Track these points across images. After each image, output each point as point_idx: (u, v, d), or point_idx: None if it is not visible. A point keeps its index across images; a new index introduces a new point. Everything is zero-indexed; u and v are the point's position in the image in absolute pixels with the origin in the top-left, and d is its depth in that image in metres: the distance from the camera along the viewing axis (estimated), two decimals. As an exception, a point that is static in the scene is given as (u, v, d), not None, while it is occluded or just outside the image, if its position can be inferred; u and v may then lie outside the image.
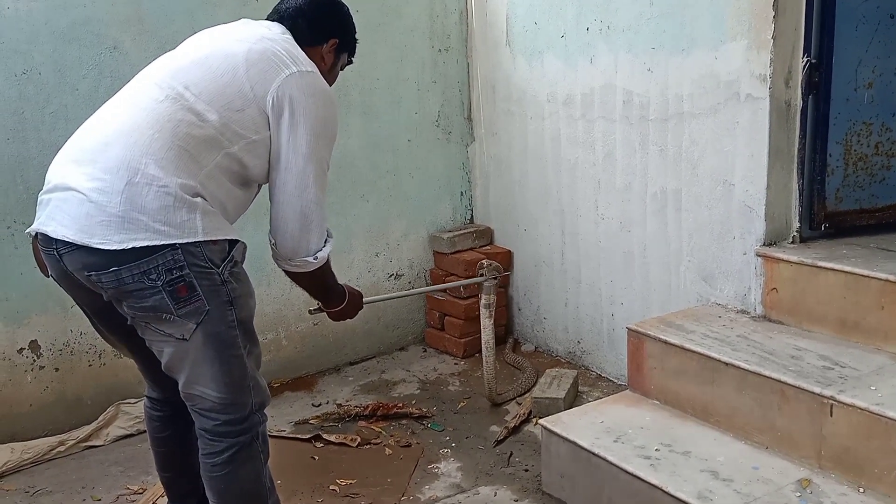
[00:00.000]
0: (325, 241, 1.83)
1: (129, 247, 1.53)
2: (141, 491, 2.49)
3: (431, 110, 3.57)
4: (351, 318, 2.15)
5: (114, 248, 1.53)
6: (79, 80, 2.73)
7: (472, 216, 3.78)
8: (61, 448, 2.71)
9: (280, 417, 2.99)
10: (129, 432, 2.83)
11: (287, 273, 1.85)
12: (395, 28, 3.41)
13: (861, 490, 1.97)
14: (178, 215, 1.57)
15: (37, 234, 1.66)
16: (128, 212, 1.54)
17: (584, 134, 3.12)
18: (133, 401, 2.89)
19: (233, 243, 1.71)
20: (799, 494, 1.99)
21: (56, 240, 1.58)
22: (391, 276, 3.58)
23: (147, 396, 2.01)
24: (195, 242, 1.59)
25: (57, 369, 2.81)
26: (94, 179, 1.57)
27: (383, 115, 3.43)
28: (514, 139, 3.47)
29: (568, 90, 3.15)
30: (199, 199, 1.62)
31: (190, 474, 2.02)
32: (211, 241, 1.62)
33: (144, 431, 2.78)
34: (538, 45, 3.25)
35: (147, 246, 1.54)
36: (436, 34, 3.53)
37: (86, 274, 1.58)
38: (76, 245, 1.55)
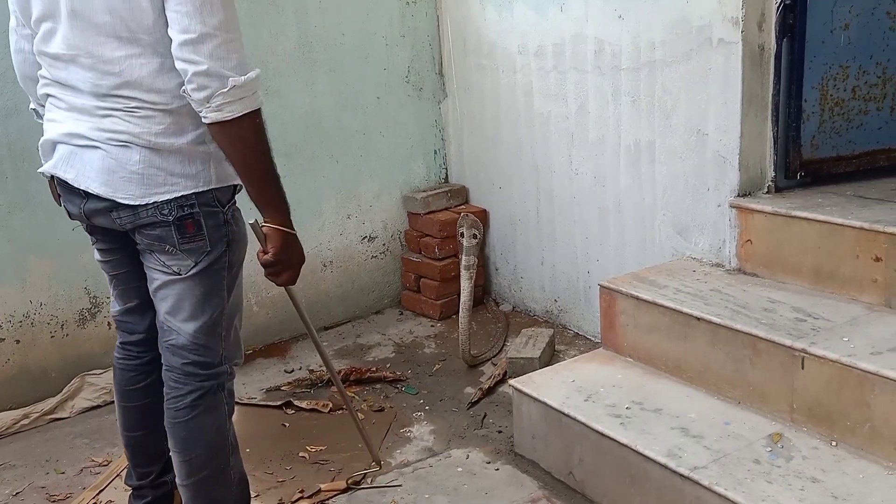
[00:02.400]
0: (248, 73, 1.58)
1: (151, 201, 1.64)
2: (105, 463, 2.45)
3: (401, 66, 3.46)
4: (291, 267, 1.74)
5: (136, 203, 1.64)
6: (26, 41, 2.61)
7: (446, 175, 3.70)
8: (25, 421, 2.66)
9: (251, 384, 2.95)
10: (95, 404, 2.78)
11: (216, 134, 1.60)
12: (360, -20, 3.29)
13: (833, 443, 1.93)
14: (192, 167, 1.66)
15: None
16: (147, 168, 1.63)
17: (557, 86, 3.02)
18: (98, 372, 2.83)
19: (237, 186, 1.75)
20: (770, 449, 1.94)
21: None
22: (364, 238, 3.50)
23: (125, 344, 1.95)
24: (208, 191, 1.68)
25: (18, 341, 2.74)
26: (110, 141, 1.63)
27: (350, 71, 3.32)
28: (486, 94, 3.37)
29: (539, 41, 3.04)
30: (209, 147, 1.67)
31: (158, 434, 1.98)
32: (219, 186, 1.70)
33: (110, 402, 2.77)
34: (508, -5, 3.13)
35: (166, 199, 1.65)
36: (403, -14, 3.40)
37: (109, 214, 1.68)
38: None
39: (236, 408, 2.74)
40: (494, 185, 3.45)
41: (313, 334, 2.09)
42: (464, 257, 3.03)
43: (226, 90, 1.53)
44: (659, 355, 2.37)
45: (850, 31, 2.42)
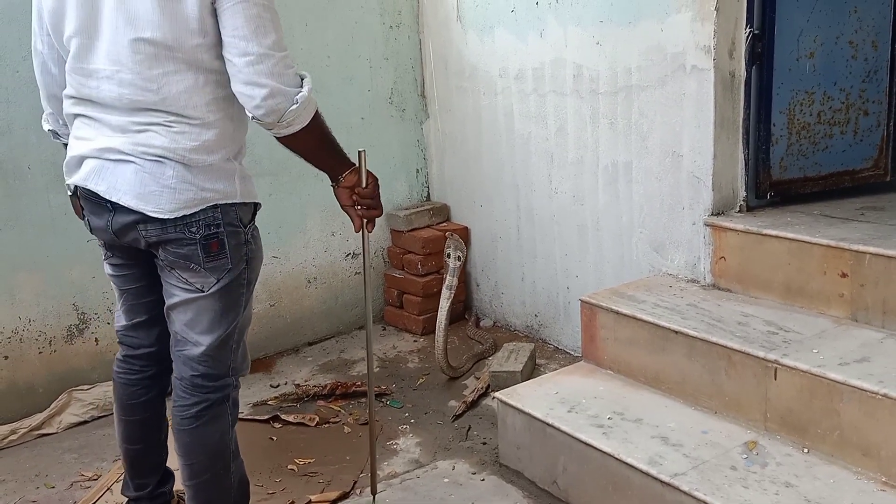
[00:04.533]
0: (302, 82, 1.69)
1: (180, 215, 1.69)
2: (95, 477, 2.47)
3: (384, 87, 3.55)
4: (375, 206, 1.94)
5: (166, 217, 1.69)
6: (19, 62, 2.65)
7: (428, 193, 3.78)
8: (13, 437, 2.67)
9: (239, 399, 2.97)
10: (82, 419, 2.79)
11: (287, 143, 1.72)
12: (345, 4, 3.37)
13: (805, 450, 2.03)
14: (220, 183, 1.73)
15: (76, 186, 1.77)
16: (179, 183, 1.68)
17: (537, 108, 3.12)
18: (86, 387, 2.85)
19: (257, 205, 1.84)
20: (745, 456, 2.04)
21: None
22: (348, 255, 3.57)
23: (128, 358, 1.96)
24: (232, 204, 1.75)
25: (6, 357, 2.75)
26: (144, 155, 1.67)
27: (335, 92, 3.40)
28: (467, 115, 3.47)
29: (519, 65, 3.15)
30: (235, 164, 1.77)
31: (157, 447, 2.04)
32: (243, 203, 1.78)
33: (98, 418, 2.80)
34: (489, 20, 3.24)
35: (194, 212, 1.70)
36: (387, 10, 3.49)
37: (136, 227, 1.72)
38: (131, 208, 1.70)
39: (228, 421, 2.78)
40: (476, 204, 3.54)
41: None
42: (448, 277, 3.10)
43: (296, 107, 1.63)
44: (638, 368, 2.46)
45: (814, 60, 2.55)
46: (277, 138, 1.70)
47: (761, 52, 2.48)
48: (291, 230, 3.37)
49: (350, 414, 2.84)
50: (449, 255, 3.12)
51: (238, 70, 1.61)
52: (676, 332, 2.32)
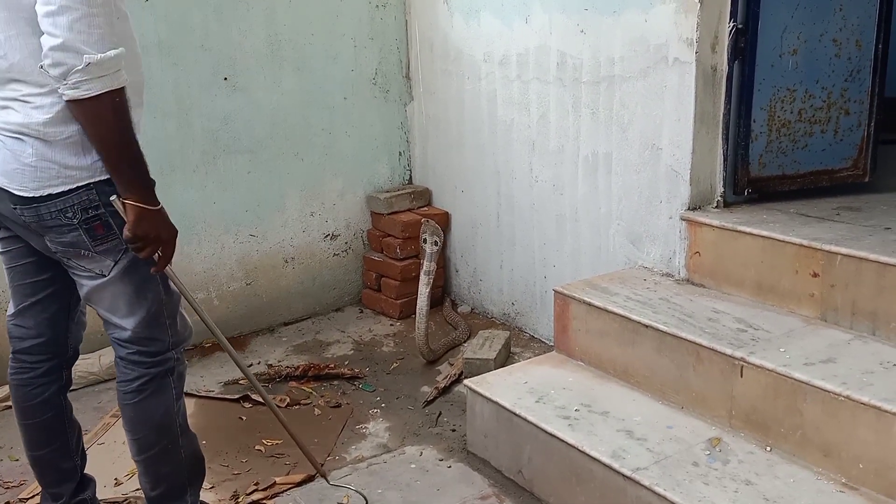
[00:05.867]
0: (110, 52, 1.53)
1: (45, 193, 1.61)
2: (60, 453, 2.46)
3: (368, 68, 3.51)
4: (151, 242, 1.66)
5: (30, 195, 1.61)
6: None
7: (410, 177, 3.76)
8: (-21, 410, 2.66)
9: (209, 378, 2.97)
10: (50, 394, 2.77)
11: (78, 114, 1.56)
12: (331, -18, 3.33)
13: (768, 449, 2.04)
14: (86, 158, 1.62)
15: None
16: (39, 161, 1.60)
17: (520, 95, 3.10)
18: (55, 362, 2.83)
19: None
20: (708, 453, 2.04)
21: None
22: (327, 236, 3.55)
23: (17, 354, 1.88)
24: (107, 180, 1.64)
25: (-27, 329, 2.73)
26: (5, 132, 1.62)
27: (318, 71, 3.36)
28: (451, 99, 3.44)
29: (504, 50, 3.12)
30: None
31: (64, 451, 1.96)
32: None
33: (67, 392, 2.76)
34: (475, 4, 3.20)
35: (62, 191, 1.61)
36: (373, -11, 3.45)
37: (11, 207, 1.66)
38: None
39: (193, 400, 2.79)
40: (457, 189, 3.52)
41: (206, 319, 1.92)
42: (425, 263, 3.09)
43: (81, 67, 1.48)
44: (608, 360, 2.46)
45: (797, 57, 2.53)
46: (66, 102, 1.55)
47: (744, 48, 2.46)
48: (269, 209, 3.35)
49: (321, 396, 2.84)
50: (425, 241, 3.11)
51: (40, 22, 1.50)
52: (647, 326, 2.32)
